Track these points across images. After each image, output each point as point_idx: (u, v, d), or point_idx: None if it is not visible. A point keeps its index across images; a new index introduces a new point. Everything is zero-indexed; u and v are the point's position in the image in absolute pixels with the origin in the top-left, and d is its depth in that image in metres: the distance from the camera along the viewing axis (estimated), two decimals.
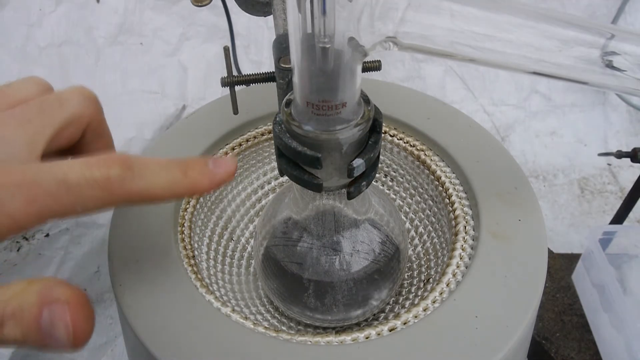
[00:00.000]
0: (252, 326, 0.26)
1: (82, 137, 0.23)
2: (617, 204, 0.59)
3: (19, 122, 0.20)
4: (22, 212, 0.17)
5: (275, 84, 0.31)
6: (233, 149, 0.38)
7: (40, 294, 0.17)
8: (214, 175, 0.21)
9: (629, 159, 0.49)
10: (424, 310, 0.27)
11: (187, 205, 0.33)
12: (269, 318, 0.34)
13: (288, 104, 0.24)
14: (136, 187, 0.18)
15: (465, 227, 0.31)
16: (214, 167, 0.21)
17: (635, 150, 0.48)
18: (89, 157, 0.19)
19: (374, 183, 0.39)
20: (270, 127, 0.39)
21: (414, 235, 0.38)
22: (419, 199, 0.38)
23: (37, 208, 0.17)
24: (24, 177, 0.17)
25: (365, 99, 0.24)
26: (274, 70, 0.31)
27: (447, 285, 0.28)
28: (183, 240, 0.31)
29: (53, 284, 0.17)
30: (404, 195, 0.39)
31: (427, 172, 0.36)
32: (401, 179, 0.40)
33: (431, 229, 0.37)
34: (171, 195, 0.20)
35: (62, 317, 0.16)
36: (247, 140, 0.38)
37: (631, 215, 0.55)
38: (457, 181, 0.34)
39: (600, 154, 0.59)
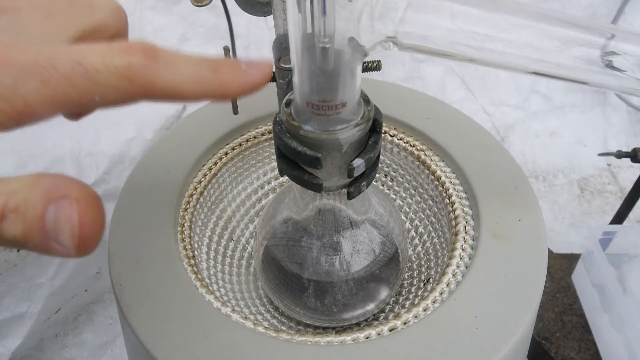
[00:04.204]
0: (252, 326, 0.26)
1: None
2: (617, 204, 0.59)
3: (43, 13, 0.18)
4: (36, 94, 0.15)
5: (275, 84, 0.31)
6: (233, 149, 0.38)
7: (48, 189, 0.15)
8: (246, 76, 0.18)
9: (629, 159, 0.49)
10: (424, 310, 0.27)
11: (187, 206, 0.34)
12: (269, 318, 0.34)
13: (288, 104, 0.24)
14: (160, 79, 0.17)
15: (465, 227, 0.32)
16: (247, 68, 0.19)
17: (635, 150, 0.48)
18: (112, 42, 0.17)
19: (374, 183, 0.39)
20: (270, 127, 0.39)
21: (414, 235, 0.38)
22: (419, 199, 0.38)
23: (51, 91, 0.15)
24: (38, 55, 0.15)
25: (365, 99, 0.24)
26: (274, 70, 0.31)
27: (447, 285, 0.28)
28: (183, 240, 0.31)
29: (64, 180, 0.15)
30: (404, 195, 0.39)
31: (427, 172, 0.36)
32: (401, 179, 0.40)
33: (431, 229, 0.37)
34: (197, 93, 0.18)
35: (69, 215, 0.15)
36: (247, 140, 0.38)
37: (631, 215, 0.55)
38: (457, 181, 0.34)
39: (600, 154, 0.59)
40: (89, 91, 0.16)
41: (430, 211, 0.37)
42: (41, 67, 0.15)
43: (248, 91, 0.19)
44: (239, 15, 0.36)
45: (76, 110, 0.17)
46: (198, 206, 0.34)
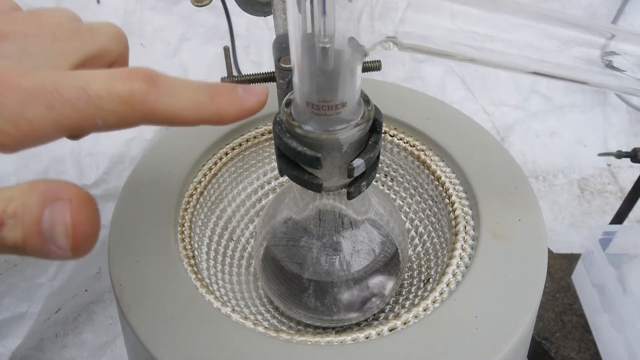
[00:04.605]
0: (252, 326, 0.26)
1: None
2: (617, 204, 0.59)
3: (49, 39, 0.19)
4: (41, 118, 0.16)
5: (275, 84, 0.31)
6: (233, 149, 0.38)
7: (43, 193, 0.15)
8: (243, 101, 0.19)
9: (629, 159, 0.49)
10: (424, 310, 0.27)
11: (187, 206, 0.34)
12: (269, 318, 0.34)
13: (288, 104, 0.24)
14: (160, 104, 0.17)
15: (465, 227, 0.32)
16: (244, 94, 0.19)
17: (635, 150, 0.48)
18: (114, 69, 0.17)
19: (374, 183, 0.39)
20: (270, 127, 0.39)
21: (414, 235, 0.38)
22: (419, 199, 0.38)
23: (56, 115, 0.16)
24: (44, 81, 0.16)
25: (365, 99, 0.24)
26: (274, 70, 0.31)
27: (447, 285, 0.28)
28: (183, 240, 0.31)
29: (58, 183, 0.16)
30: (404, 195, 0.39)
31: (427, 172, 0.36)
32: (401, 179, 0.40)
33: (431, 229, 0.37)
34: (196, 119, 0.19)
35: (62, 216, 0.15)
36: (247, 140, 0.38)
37: (631, 215, 0.55)
38: (457, 181, 0.34)
39: (600, 154, 0.59)
40: (91, 116, 0.17)
41: (430, 211, 0.37)
42: (47, 92, 0.16)
43: (244, 116, 0.20)
44: (239, 15, 0.36)
45: (78, 133, 0.17)
46: (198, 206, 0.35)
